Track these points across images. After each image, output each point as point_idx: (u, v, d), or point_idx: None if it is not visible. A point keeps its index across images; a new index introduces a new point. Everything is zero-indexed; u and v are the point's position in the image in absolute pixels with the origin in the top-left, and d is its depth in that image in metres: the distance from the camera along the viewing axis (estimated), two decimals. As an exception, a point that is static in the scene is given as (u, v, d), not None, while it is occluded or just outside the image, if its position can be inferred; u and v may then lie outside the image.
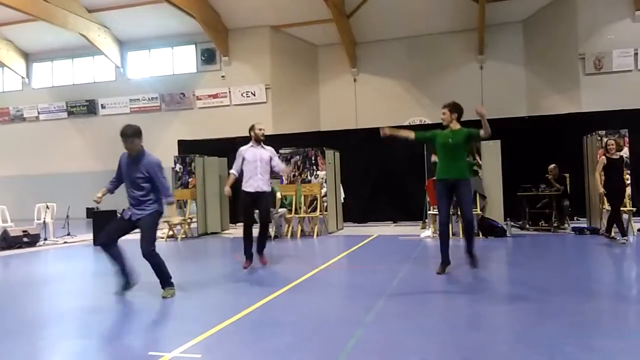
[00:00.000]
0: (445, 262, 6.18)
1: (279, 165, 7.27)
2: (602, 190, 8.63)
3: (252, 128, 7.04)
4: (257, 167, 6.79)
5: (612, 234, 8.61)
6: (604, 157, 8.71)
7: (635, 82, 16.93)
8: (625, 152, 10.08)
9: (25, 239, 10.59)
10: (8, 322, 4.67)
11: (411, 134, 6.15)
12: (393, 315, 4.39)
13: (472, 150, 10.60)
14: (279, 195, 11.01)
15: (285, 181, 12.00)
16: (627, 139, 10.12)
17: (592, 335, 3.71)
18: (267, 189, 6.90)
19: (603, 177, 8.63)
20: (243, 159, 6.88)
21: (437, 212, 10.38)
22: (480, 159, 10.55)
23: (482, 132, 5.76)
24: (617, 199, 8.53)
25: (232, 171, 6.94)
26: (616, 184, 8.50)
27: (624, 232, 8.44)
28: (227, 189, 6.93)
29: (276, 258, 8.40)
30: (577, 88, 17.51)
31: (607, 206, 9.48)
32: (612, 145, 8.65)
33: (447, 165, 5.93)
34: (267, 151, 7.03)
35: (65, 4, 19.22)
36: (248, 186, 6.80)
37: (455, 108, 6.08)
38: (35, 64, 24.05)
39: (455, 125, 6.01)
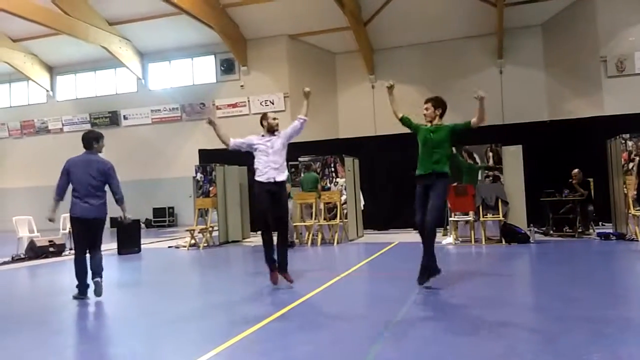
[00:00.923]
0: (431, 270, 5.65)
1: (297, 124, 6.55)
2: (632, 193, 8.39)
3: (264, 117, 6.51)
4: (268, 155, 6.22)
5: None
6: (638, 158, 8.53)
7: (659, 83, 16.61)
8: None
9: (51, 249, 10.79)
10: (33, 330, 4.77)
11: (399, 113, 5.95)
12: (415, 324, 4.37)
13: (487, 153, 10.50)
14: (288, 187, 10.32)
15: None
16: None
17: (618, 342, 3.64)
18: (282, 178, 6.26)
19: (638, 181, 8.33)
20: (251, 146, 6.33)
21: (456, 219, 10.46)
22: (502, 164, 10.42)
23: (474, 119, 5.52)
24: None
25: (232, 138, 6.36)
26: None
27: None
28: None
29: (297, 266, 8.42)
30: (599, 91, 17.24)
31: (633, 211, 9.32)
32: None
33: (426, 162, 5.60)
34: (280, 137, 6.43)
35: (87, 17, 19.64)
36: (261, 176, 6.19)
37: (438, 103, 5.77)
38: (59, 76, 24.60)
39: (439, 122, 5.75)
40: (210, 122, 6.32)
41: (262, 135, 6.43)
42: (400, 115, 5.95)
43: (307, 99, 6.57)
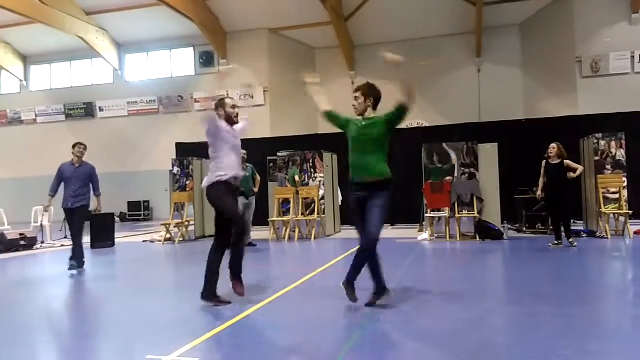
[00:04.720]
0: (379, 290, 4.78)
1: (244, 125, 5.50)
2: (539, 194, 8.72)
3: (222, 104, 5.21)
4: (239, 151, 5.32)
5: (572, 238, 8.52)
6: (544, 161, 8.67)
7: (632, 84, 17.00)
8: (622, 155, 10.13)
9: (22, 242, 10.58)
10: (4, 326, 4.67)
11: (323, 106, 5.05)
12: (390, 320, 4.40)
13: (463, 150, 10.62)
14: (257, 177, 10.26)
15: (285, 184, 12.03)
16: (623, 142, 10.16)
17: (587, 338, 3.72)
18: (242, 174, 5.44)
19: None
20: (220, 130, 5.11)
21: (432, 215, 10.55)
22: (477, 161, 10.55)
23: (400, 98, 4.55)
24: (552, 206, 8.61)
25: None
26: (550, 191, 8.49)
27: (558, 237, 8.55)
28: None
29: (274, 261, 8.42)
30: (574, 91, 17.56)
31: (604, 209, 9.54)
32: (553, 149, 8.50)
33: (361, 162, 4.72)
34: (240, 135, 5.39)
35: (64, 6, 19.24)
36: (231, 172, 5.11)
37: (370, 91, 4.74)
38: (33, 66, 24.05)
39: (371, 114, 4.74)
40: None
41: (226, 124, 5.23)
42: (322, 110, 5.06)
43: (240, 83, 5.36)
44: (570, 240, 8.45)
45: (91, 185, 7.84)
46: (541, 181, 8.73)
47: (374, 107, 4.76)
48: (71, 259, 7.56)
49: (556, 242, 8.53)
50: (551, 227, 10.37)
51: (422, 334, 3.95)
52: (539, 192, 8.79)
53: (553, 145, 8.57)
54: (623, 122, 11.60)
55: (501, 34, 19.17)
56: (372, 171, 4.66)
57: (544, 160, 8.67)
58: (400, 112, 4.62)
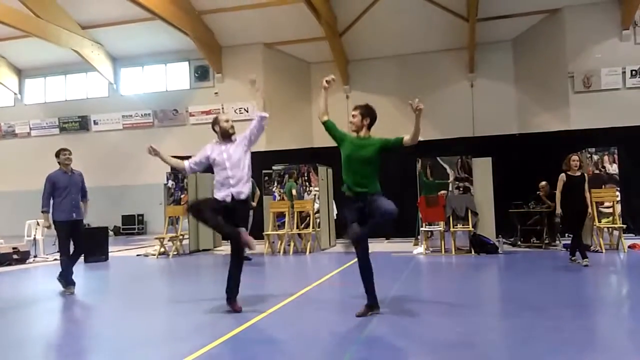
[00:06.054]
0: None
1: (255, 123, 5.67)
2: (559, 211, 7.99)
3: (215, 122, 5.52)
4: (226, 168, 5.30)
5: (575, 256, 8.14)
6: (564, 174, 8.08)
7: (624, 100, 17.16)
8: (614, 169, 10.23)
9: (15, 256, 10.49)
10: (-3, 340, 4.62)
11: (324, 116, 5.30)
12: (386, 333, 4.39)
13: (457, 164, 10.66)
14: (257, 192, 10.57)
15: (277, 197, 12.03)
16: (616, 156, 10.25)
17: (582, 352, 3.72)
18: (242, 196, 5.33)
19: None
20: (208, 158, 5.46)
21: (427, 229, 10.57)
22: (471, 175, 10.60)
23: (407, 137, 4.84)
24: (577, 221, 7.93)
25: (186, 162, 5.58)
26: (577, 205, 7.89)
27: (584, 255, 7.91)
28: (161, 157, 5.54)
29: (269, 275, 8.38)
30: (567, 106, 17.72)
31: (598, 223, 9.59)
32: (576, 161, 7.97)
33: (353, 179, 5.01)
34: (238, 145, 5.46)
35: (59, 20, 19.28)
36: (217, 193, 5.36)
37: (367, 112, 5.07)
38: (28, 79, 24.04)
39: (366, 133, 5.07)
40: (154, 152, 5.53)
41: (217, 142, 5.48)
42: (325, 119, 5.28)
43: (259, 94, 5.60)
44: (573, 258, 8.14)
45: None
46: (559, 196, 8.04)
47: (369, 127, 5.09)
48: (65, 278, 6.96)
49: (573, 257, 8.12)
50: (547, 241, 10.51)
51: (417, 348, 3.93)
52: (558, 210, 8.00)
53: (575, 157, 7.97)
54: (615, 137, 11.71)
55: (494, 50, 19.36)
56: (363, 187, 4.97)
57: (562, 174, 8.10)
58: (399, 146, 4.91)
